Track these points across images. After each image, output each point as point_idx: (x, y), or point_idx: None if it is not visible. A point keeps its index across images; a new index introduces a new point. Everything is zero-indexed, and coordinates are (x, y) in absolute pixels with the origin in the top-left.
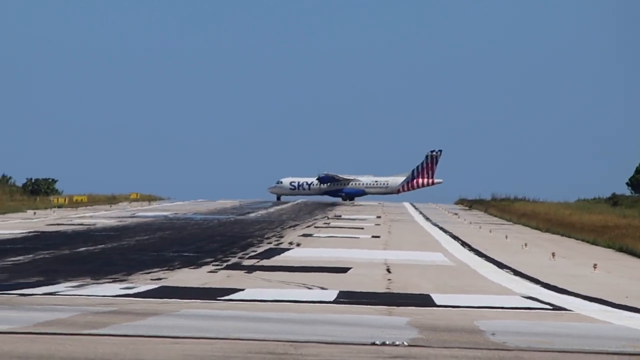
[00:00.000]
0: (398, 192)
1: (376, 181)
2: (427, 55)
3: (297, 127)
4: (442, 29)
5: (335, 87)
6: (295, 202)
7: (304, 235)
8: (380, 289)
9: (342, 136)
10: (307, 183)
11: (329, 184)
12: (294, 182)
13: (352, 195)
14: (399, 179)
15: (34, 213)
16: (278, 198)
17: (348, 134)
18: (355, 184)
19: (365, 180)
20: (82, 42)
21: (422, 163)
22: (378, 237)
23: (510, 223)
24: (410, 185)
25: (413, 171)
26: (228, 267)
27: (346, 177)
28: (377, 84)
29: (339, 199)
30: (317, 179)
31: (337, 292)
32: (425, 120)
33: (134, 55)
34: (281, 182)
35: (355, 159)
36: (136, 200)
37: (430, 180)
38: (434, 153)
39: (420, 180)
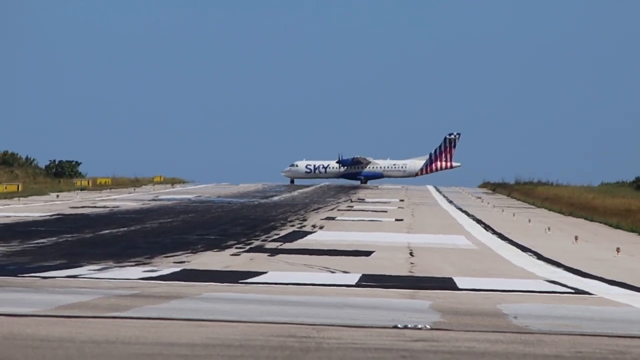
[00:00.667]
0: (416, 175)
1: (394, 164)
2: (446, 37)
3: (312, 111)
4: (458, 10)
5: (352, 70)
6: (319, 186)
7: (327, 218)
8: (403, 272)
9: (357, 119)
10: (323, 166)
11: (347, 167)
12: (310, 165)
13: (370, 178)
14: (418, 162)
15: (57, 195)
16: (292, 181)
17: (364, 117)
18: (373, 167)
19: (383, 163)
20: (110, 24)
21: (440, 146)
22: (401, 220)
23: (534, 207)
24: (429, 168)
25: (431, 154)
26: (251, 250)
27: (371, 159)
28: (394, 66)
29: (357, 182)
30: (338, 162)
31: (360, 275)
32: (446, 104)
33: (159, 38)
34: (296, 165)
35: (372, 142)
36: (160, 183)
37: (449, 164)
38: (452, 136)
39: (438, 164)
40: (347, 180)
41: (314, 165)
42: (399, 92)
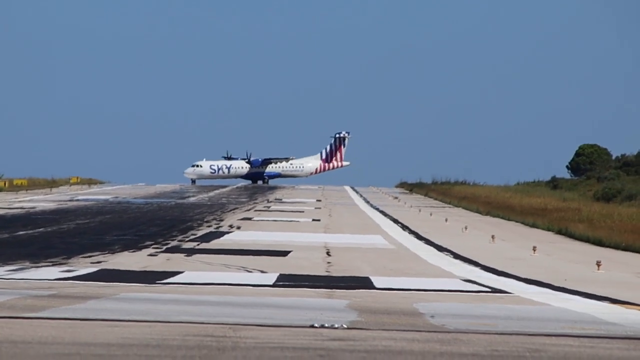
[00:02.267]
0: (311, 174)
1: (291, 164)
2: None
3: (200, 112)
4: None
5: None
6: (235, 186)
7: (244, 218)
8: (320, 272)
9: (243, 118)
10: (226, 166)
11: (254, 167)
12: (214, 165)
13: (272, 177)
14: (314, 162)
15: None
16: (193, 182)
17: (255, 116)
18: (272, 167)
19: (280, 163)
20: (20, 21)
21: (331, 145)
22: (318, 220)
23: (451, 206)
24: (321, 167)
25: (321, 153)
26: (168, 251)
27: (280, 158)
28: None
29: (260, 182)
30: (248, 162)
31: (277, 275)
32: (342, 103)
33: (73, 34)
34: (199, 166)
35: (258, 141)
36: (76, 183)
37: (340, 163)
38: (341, 135)
39: (331, 164)
40: (249, 181)
41: (218, 166)
42: (287, 92)
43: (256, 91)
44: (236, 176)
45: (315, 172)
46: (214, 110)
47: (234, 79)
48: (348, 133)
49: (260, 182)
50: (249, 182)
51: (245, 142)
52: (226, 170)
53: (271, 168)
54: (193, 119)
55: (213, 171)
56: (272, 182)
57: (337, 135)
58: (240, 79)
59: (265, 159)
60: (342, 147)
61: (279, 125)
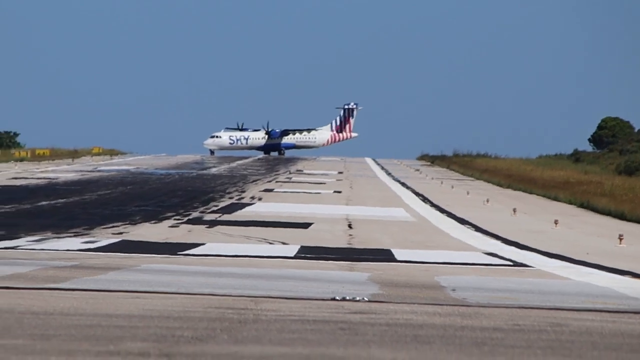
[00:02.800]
0: (323, 145)
1: (305, 135)
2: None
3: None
4: None
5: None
6: (257, 157)
7: (266, 190)
8: (342, 244)
9: (257, 90)
10: (244, 137)
11: (272, 138)
12: (232, 136)
13: (287, 149)
14: (326, 133)
15: None
16: (212, 153)
17: (262, 88)
18: (287, 138)
19: (295, 134)
20: None
21: (341, 116)
22: (340, 192)
23: (472, 179)
24: (333, 138)
25: (331, 125)
26: (189, 222)
27: (300, 129)
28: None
29: (276, 154)
30: (267, 133)
31: (299, 247)
32: (353, 75)
33: (97, 8)
34: (219, 137)
35: (269, 112)
36: (98, 154)
37: (349, 135)
38: (350, 106)
39: (341, 135)
40: (265, 152)
41: (236, 137)
42: (294, 63)
43: (264, 63)
44: (253, 147)
45: (327, 143)
46: (228, 81)
47: (244, 50)
48: (356, 104)
49: (276, 154)
50: (263, 153)
51: (255, 113)
52: (244, 142)
53: (286, 139)
54: (207, 91)
55: (232, 142)
56: (288, 154)
57: (346, 107)
58: (249, 50)
59: (283, 130)
60: (351, 118)
61: (286, 97)
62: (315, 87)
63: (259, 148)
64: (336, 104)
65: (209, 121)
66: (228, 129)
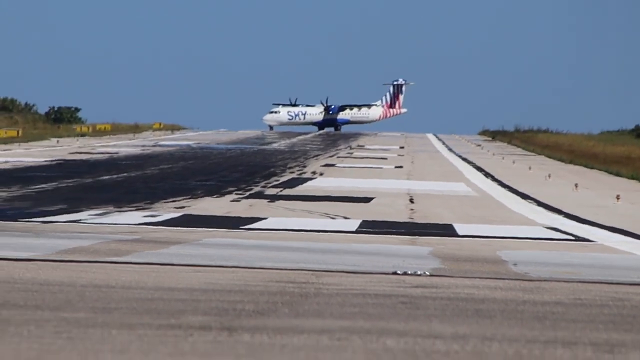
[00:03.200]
0: (375, 121)
1: (358, 111)
2: None
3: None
4: None
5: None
6: (318, 133)
7: (327, 165)
8: (403, 218)
9: (310, 65)
10: (302, 112)
11: (330, 114)
12: (291, 111)
13: (343, 124)
14: (378, 109)
15: (57, 141)
16: (271, 128)
17: (314, 63)
18: (342, 114)
19: (349, 110)
20: None
21: (390, 92)
22: (401, 167)
23: (534, 154)
24: (384, 114)
25: (382, 100)
26: (251, 196)
27: (359, 105)
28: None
29: (332, 129)
30: (326, 108)
31: (360, 221)
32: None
33: None
34: (278, 112)
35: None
36: (159, 129)
37: (399, 110)
38: (399, 82)
39: (392, 110)
40: (322, 128)
41: (295, 112)
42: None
43: (309, 38)
44: (310, 123)
45: (380, 119)
46: (280, 56)
47: (292, 26)
48: (405, 80)
49: (331, 129)
50: (317, 129)
51: (302, 88)
52: (302, 117)
53: (341, 115)
54: (261, 66)
55: (290, 117)
56: (346, 129)
57: (395, 83)
58: (297, 24)
59: (341, 106)
60: (400, 94)
61: (334, 72)
62: (362, 63)
63: (315, 123)
64: (383, 80)
65: (264, 97)
66: (277, 104)
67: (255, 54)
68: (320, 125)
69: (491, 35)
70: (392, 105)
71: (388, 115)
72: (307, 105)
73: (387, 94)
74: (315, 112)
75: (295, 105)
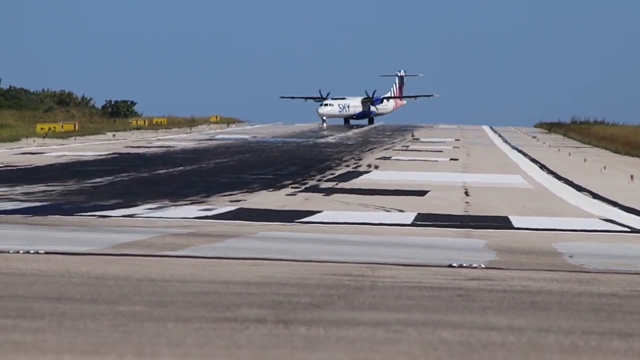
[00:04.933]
0: (390, 112)
1: (387, 102)
2: None
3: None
4: None
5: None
6: (373, 126)
7: (382, 158)
8: (459, 211)
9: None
10: (347, 105)
11: (375, 104)
12: (340, 104)
13: (375, 117)
14: (391, 101)
15: (114, 135)
16: (323, 121)
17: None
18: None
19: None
20: None
21: (396, 84)
22: (456, 159)
23: (590, 146)
24: (396, 105)
25: (391, 92)
26: (306, 190)
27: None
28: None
29: (365, 122)
30: (368, 99)
31: (415, 214)
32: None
33: None
34: (331, 105)
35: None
36: (216, 122)
37: (402, 102)
38: (400, 74)
39: (399, 101)
40: (352, 120)
41: (341, 105)
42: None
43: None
44: (350, 115)
45: (393, 110)
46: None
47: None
48: (405, 71)
49: (365, 122)
50: (343, 122)
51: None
52: (347, 109)
53: (369, 108)
54: (286, 55)
55: (340, 109)
56: (401, 122)
57: (398, 74)
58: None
59: (382, 98)
60: (402, 86)
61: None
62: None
63: (352, 116)
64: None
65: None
66: (284, 97)
67: (312, 48)
68: (358, 117)
69: (544, 27)
70: (400, 96)
71: (398, 105)
72: (341, 98)
73: (394, 86)
74: (356, 104)
75: (324, 98)
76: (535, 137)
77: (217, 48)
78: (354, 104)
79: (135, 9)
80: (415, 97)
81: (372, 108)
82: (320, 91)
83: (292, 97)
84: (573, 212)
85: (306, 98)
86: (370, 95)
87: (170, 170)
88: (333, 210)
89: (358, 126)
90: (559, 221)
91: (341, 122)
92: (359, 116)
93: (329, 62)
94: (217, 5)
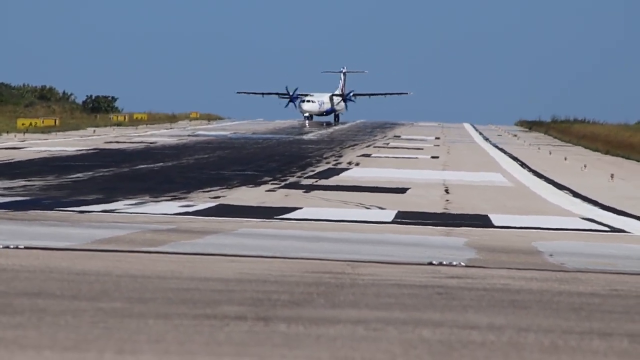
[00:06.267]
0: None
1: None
2: None
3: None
4: None
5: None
6: (354, 123)
7: (363, 155)
8: (439, 209)
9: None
10: (323, 102)
11: (348, 102)
12: (319, 101)
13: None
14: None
15: (94, 131)
16: (306, 118)
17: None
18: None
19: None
20: None
21: (342, 80)
22: (437, 157)
23: (570, 145)
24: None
25: (342, 89)
26: (286, 186)
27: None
28: None
29: (330, 118)
30: (342, 97)
31: (396, 212)
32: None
33: None
34: (313, 101)
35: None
36: (196, 119)
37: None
38: (343, 70)
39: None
40: (322, 118)
41: (319, 101)
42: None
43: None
44: (322, 112)
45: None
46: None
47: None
48: (345, 68)
49: (330, 118)
50: (307, 120)
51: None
52: (323, 106)
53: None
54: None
55: (319, 106)
56: (384, 119)
57: (342, 71)
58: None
59: (355, 94)
60: (345, 83)
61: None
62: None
63: (320, 113)
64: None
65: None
66: (240, 92)
67: (286, 41)
68: (328, 113)
69: (526, 24)
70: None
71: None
72: (302, 94)
73: (341, 82)
74: (327, 101)
75: (290, 94)
76: (515, 135)
77: (197, 46)
78: (326, 101)
79: (117, 5)
80: (384, 94)
81: (341, 105)
82: (287, 87)
83: (248, 93)
84: (553, 210)
85: (263, 94)
86: (345, 94)
87: (151, 165)
88: (313, 206)
89: (340, 123)
90: (539, 220)
91: (318, 119)
92: (328, 112)
93: (300, 60)
94: (196, 2)
